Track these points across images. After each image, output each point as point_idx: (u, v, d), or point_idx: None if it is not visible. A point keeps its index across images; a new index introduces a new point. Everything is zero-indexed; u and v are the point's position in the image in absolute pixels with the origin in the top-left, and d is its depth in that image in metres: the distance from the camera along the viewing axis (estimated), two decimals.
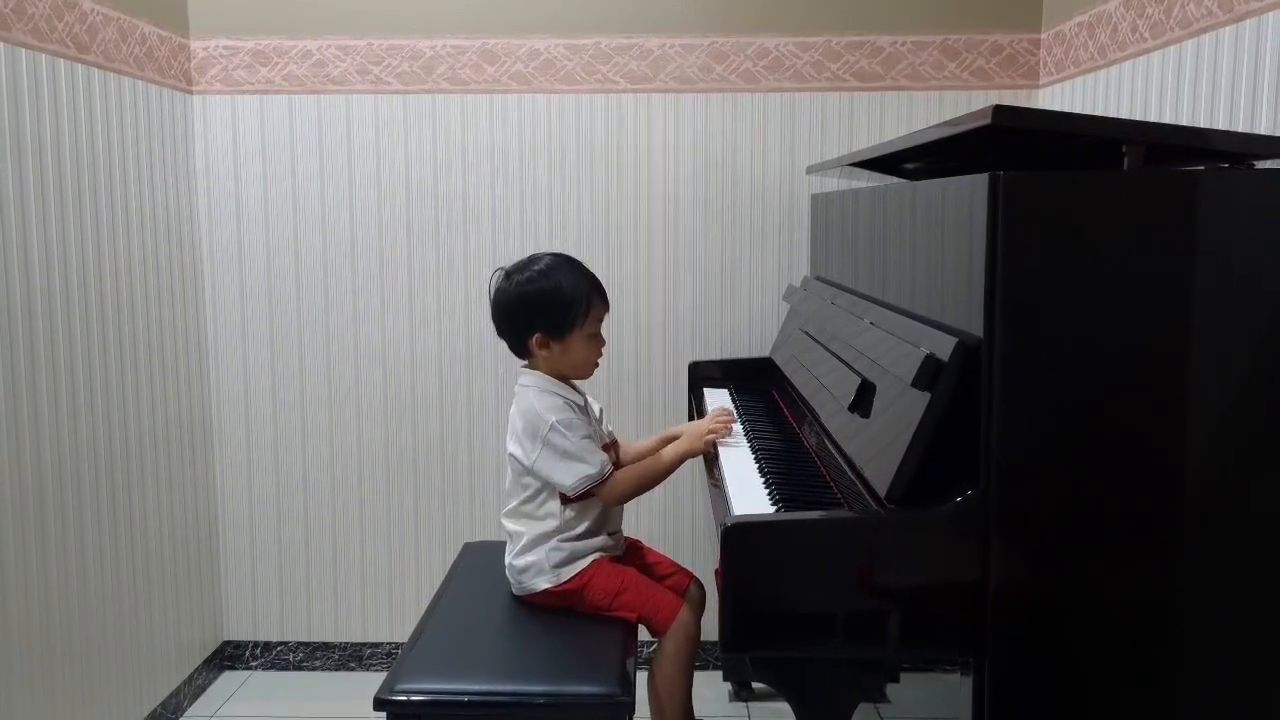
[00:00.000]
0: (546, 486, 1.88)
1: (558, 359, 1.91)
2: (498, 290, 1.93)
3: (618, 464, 1.95)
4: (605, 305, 1.94)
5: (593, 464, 1.84)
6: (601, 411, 2.04)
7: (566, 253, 1.98)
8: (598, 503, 1.90)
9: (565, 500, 1.88)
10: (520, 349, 1.94)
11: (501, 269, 1.95)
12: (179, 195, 2.55)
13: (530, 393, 1.89)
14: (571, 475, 1.84)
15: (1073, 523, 1.27)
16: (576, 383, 1.96)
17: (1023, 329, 1.25)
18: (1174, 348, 1.25)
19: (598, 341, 1.94)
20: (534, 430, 1.85)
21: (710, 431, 1.93)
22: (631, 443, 2.15)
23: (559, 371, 1.92)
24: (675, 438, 2.06)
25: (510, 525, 1.94)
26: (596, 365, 1.96)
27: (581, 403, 1.94)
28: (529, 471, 1.87)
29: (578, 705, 1.62)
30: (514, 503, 1.93)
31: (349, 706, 2.49)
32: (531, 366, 1.95)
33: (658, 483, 1.93)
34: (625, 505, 1.99)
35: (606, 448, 1.93)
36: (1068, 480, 1.27)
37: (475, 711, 1.63)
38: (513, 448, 1.90)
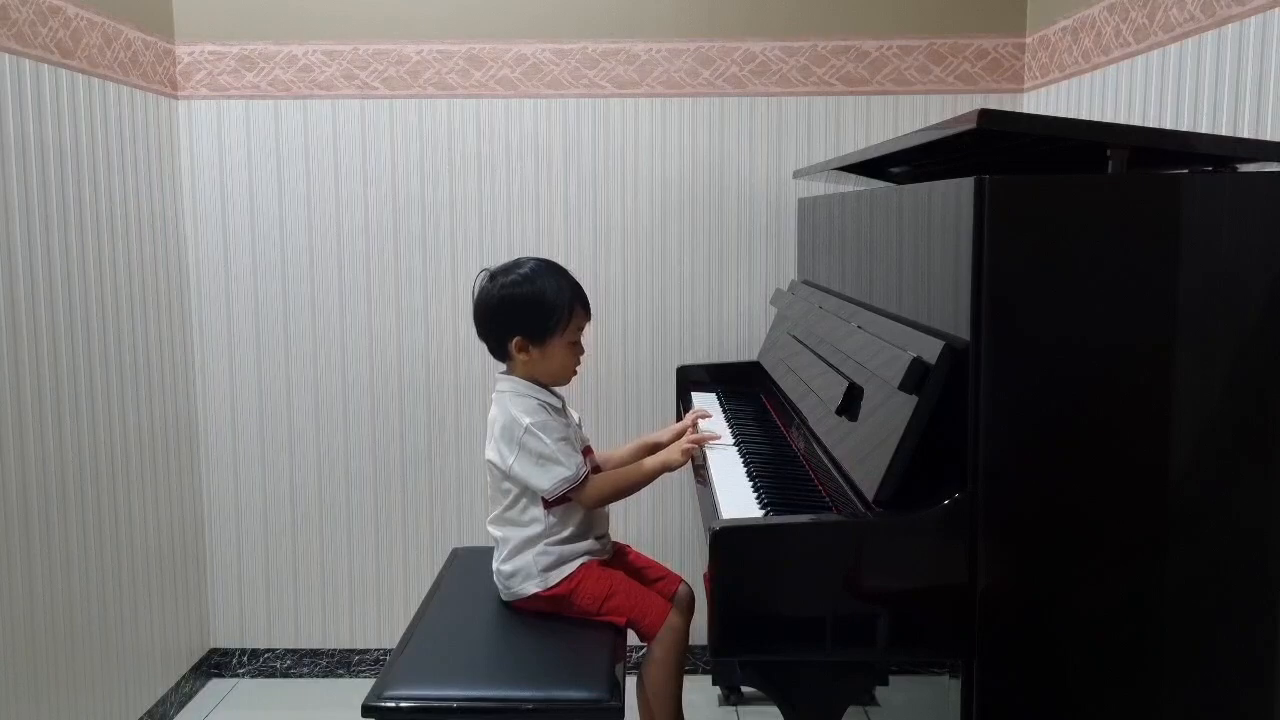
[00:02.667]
0: (527, 491, 1.87)
1: (536, 364, 1.91)
2: (481, 291, 1.93)
3: (595, 470, 1.95)
4: (587, 314, 1.94)
5: (569, 466, 1.84)
6: (580, 421, 2.03)
7: (553, 259, 1.98)
8: (580, 506, 1.90)
9: (547, 505, 1.87)
10: (499, 351, 1.94)
11: (486, 270, 1.95)
12: (164, 200, 2.53)
13: (506, 397, 1.89)
14: (548, 478, 1.83)
15: (1060, 525, 1.27)
16: (556, 389, 1.96)
17: (1009, 331, 1.25)
18: (1159, 350, 1.26)
19: (577, 350, 1.94)
20: (510, 434, 1.85)
21: (690, 444, 1.92)
22: (608, 452, 2.15)
23: (536, 377, 1.92)
24: (652, 444, 2.06)
25: (496, 532, 1.93)
26: (575, 373, 1.96)
27: (559, 405, 1.94)
28: (507, 476, 1.87)
29: (567, 710, 1.62)
30: (497, 510, 1.92)
31: (337, 713, 2.48)
32: (510, 371, 1.95)
33: (636, 490, 1.93)
34: (612, 509, 1.99)
35: (583, 454, 1.93)
36: (1055, 482, 1.27)
37: (464, 718, 1.63)
38: (490, 453, 1.89)
